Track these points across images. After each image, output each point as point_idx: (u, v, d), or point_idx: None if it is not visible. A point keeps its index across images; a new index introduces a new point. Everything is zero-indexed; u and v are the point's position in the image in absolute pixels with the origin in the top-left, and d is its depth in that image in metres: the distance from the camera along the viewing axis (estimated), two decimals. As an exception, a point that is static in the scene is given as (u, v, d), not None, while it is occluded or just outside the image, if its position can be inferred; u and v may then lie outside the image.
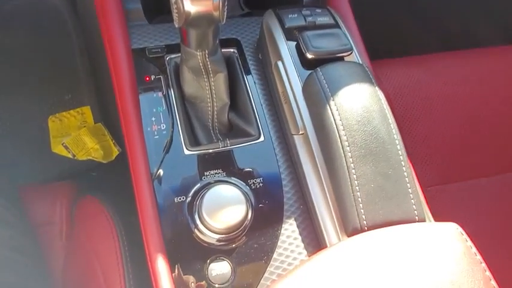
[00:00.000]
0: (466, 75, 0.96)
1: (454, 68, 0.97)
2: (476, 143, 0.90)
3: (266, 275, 0.53)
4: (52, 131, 1.19)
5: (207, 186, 0.56)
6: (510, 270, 0.68)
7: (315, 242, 0.56)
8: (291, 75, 0.61)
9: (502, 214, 0.87)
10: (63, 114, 1.22)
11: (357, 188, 0.51)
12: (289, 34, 0.65)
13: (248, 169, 0.59)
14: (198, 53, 0.57)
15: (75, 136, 1.18)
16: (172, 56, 0.66)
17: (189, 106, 0.65)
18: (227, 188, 0.55)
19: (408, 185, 0.53)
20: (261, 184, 0.58)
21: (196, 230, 0.54)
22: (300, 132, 0.59)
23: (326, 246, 0.54)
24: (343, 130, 0.53)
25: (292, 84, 0.61)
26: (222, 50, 0.63)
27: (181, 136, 0.60)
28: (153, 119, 0.61)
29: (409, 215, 0.52)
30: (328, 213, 0.55)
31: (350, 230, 0.51)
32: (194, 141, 0.62)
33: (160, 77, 0.64)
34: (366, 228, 0.50)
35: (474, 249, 0.49)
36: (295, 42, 0.64)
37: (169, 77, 0.64)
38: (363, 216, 0.51)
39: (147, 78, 0.64)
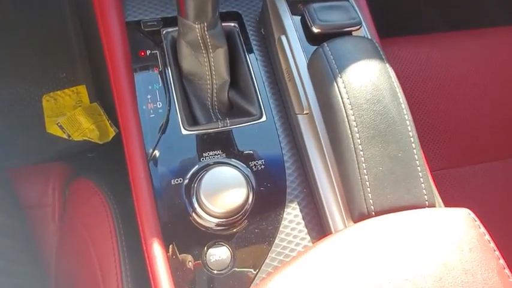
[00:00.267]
0: (476, 55, 0.92)
1: (464, 48, 0.93)
2: (485, 125, 0.87)
3: (267, 261, 0.51)
4: (46, 111, 1.16)
5: (206, 168, 0.54)
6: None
7: (318, 227, 0.54)
8: (295, 51, 0.58)
9: None
10: (58, 94, 1.19)
11: (365, 171, 0.49)
12: (294, 7, 0.61)
13: (249, 150, 0.56)
14: (196, 26, 0.54)
15: (70, 116, 1.14)
16: (169, 29, 0.62)
17: (187, 83, 0.62)
18: (227, 170, 0.52)
19: (419, 168, 0.50)
20: (262, 166, 0.55)
21: (194, 214, 0.52)
22: (305, 112, 0.56)
23: (331, 233, 0.52)
24: (351, 109, 0.50)
25: (296, 60, 0.58)
26: (222, 24, 0.60)
27: (179, 115, 0.57)
28: (149, 96, 0.58)
29: (419, 200, 0.50)
30: (333, 198, 0.52)
31: (356, 215, 0.49)
32: (192, 121, 0.59)
33: (156, 52, 0.61)
34: (373, 213, 0.48)
35: (487, 236, 0.46)
36: (300, 16, 0.60)
37: (165, 52, 0.61)
38: (371, 201, 0.48)
39: (142, 53, 0.60)
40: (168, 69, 0.60)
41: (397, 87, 0.53)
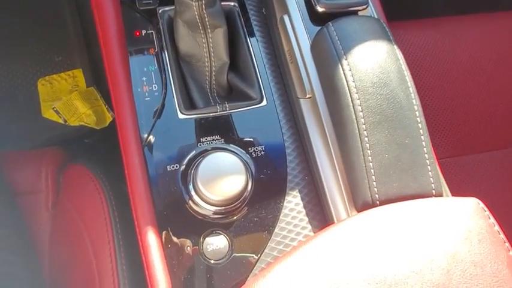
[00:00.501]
0: (485, 40, 0.89)
1: (472, 32, 0.90)
2: (492, 112, 0.84)
3: (267, 250, 0.50)
4: (42, 95, 1.13)
5: (203, 153, 0.52)
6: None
7: (320, 216, 0.52)
8: (298, 31, 0.56)
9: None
10: (54, 77, 1.16)
11: (370, 158, 0.47)
12: (298, -15, 0.58)
13: (249, 136, 0.54)
14: (193, 4, 0.51)
15: (66, 100, 1.12)
16: (166, 8, 0.60)
17: (184, 65, 0.59)
18: (225, 155, 0.50)
19: (426, 155, 0.49)
20: (262, 152, 0.53)
21: (190, 202, 0.50)
22: (307, 96, 0.54)
23: (333, 222, 0.50)
24: (356, 93, 0.48)
25: (299, 41, 0.55)
26: (222, 3, 0.57)
27: (175, 98, 0.54)
28: (144, 79, 0.55)
29: (425, 188, 0.48)
30: (336, 186, 0.51)
31: (360, 204, 0.47)
32: (189, 105, 0.57)
33: (152, 32, 0.58)
34: (378, 202, 0.46)
35: (497, 227, 0.45)
36: (303, -5, 0.57)
37: (162, 32, 0.58)
38: (375, 190, 0.46)
39: (137, 33, 0.58)
40: (164, 51, 0.57)
41: (405, 70, 0.50)
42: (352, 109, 0.48)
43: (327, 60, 0.51)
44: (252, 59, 0.58)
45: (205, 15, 0.53)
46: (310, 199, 0.53)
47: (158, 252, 0.47)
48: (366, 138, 0.47)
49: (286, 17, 0.57)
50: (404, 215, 0.44)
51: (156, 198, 0.50)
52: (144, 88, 0.55)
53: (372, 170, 0.46)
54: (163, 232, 0.48)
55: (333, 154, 0.51)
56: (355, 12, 0.57)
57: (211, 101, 0.58)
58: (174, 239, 0.48)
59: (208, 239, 0.49)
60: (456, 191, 0.55)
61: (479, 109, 0.85)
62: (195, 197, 0.49)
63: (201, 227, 0.49)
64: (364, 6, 0.57)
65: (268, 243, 0.50)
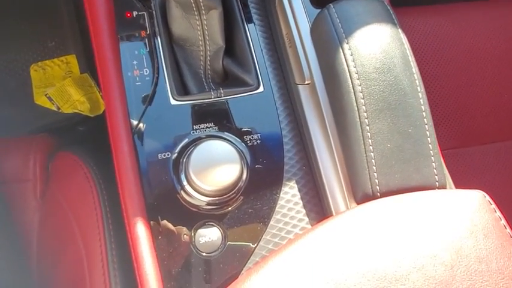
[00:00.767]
0: (492, 27, 0.86)
1: (479, 20, 0.87)
2: (498, 103, 0.82)
3: (261, 243, 0.48)
4: (34, 81, 1.10)
5: (196, 141, 0.49)
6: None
7: (318, 208, 0.50)
8: (297, 14, 0.53)
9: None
10: (47, 63, 1.13)
11: (371, 147, 0.45)
12: (297, -35, 0.55)
13: (244, 123, 0.52)
14: (186, -18, 0.48)
15: (60, 87, 1.09)
16: (159, -12, 0.56)
17: (177, 49, 0.57)
18: (219, 144, 0.48)
19: (430, 146, 0.46)
20: (258, 141, 0.51)
21: (182, 192, 0.48)
22: (306, 82, 0.52)
23: (331, 215, 0.48)
24: (358, 79, 0.46)
25: (298, 24, 0.53)
26: (217, -17, 0.54)
27: (168, 83, 0.52)
28: (135, 62, 0.53)
29: (429, 180, 0.46)
30: (335, 177, 0.49)
31: (360, 196, 0.45)
32: (182, 90, 0.54)
33: (143, 14, 0.55)
34: (378, 194, 0.44)
35: (503, 221, 0.43)
36: (303, -25, 0.54)
37: (154, 13, 0.55)
38: (376, 181, 0.44)
39: (128, 15, 0.55)
40: (156, 33, 0.54)
41: (410, 55, 0.48)
42: (353, 96, 0.45)
43: (327, 44, 0.49)
44: (248, 43, 0.56)
45: (200, -4, 0.50)
46: (308, 190, 0.51)
47: (148, 245, 0.45)
48: (367, 127, 0.45)
49: (285, -1, 0.54)
50: (406, 207, 0.42)
51: (146, 188, 0.47)
52: (135, 72, 0.52)
53: (373, 161, 0.45)
54: (154, 223, 0.46)
55: (332, 143, 0.49)
56: (357, -6, 0.54)
57: (206, 87, 0.56)
58: (165, 230, 0.46)
59: (201, 231, 0.47)
60: (459, 183, 0.54)
61: (483, 99, 0.83)
62: (187, 187, 0.47)
63: (193, 218, 0.47)
64: (368, -12, 0.54)
65: (263, 236, 0.48)
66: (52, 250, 0.61)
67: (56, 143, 0.72)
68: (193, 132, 0.50)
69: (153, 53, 0.53)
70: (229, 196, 0.47)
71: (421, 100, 0.47)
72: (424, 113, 0.47)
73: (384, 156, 0.45)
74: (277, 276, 0.36)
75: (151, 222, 0.46)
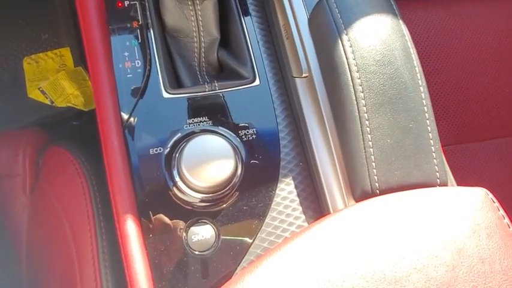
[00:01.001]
0: (495, 22, 0.84)
1: (481, 14, 0.85)
2: (500, 98, 0.80)
3: (256, 242, 0.46)
4: (27, 74, 1.08)
5: (190, 136, 0.48)
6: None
7: (315, 205, 0.49)
8: (295, 4, 0.52)
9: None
10: (40, 56, 1.11)
11: (370, 143, 0.44)
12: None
13: (239, 118, 0.50)
14: (179, -30, 0.46)
15: (53, 80, 1.07)
16: (151, -24, 0.54)
17: (171, 41, 0.55)
18: (213, 139, 0.46)
19: (431, 141, 0.45)
20: (254, 136, 0.50)
21: (174, 188, 0.46)
22: (304, 75, 0.51)
23: (329, 212, 0.46)
24: (357, 72, 0.44)
25: (296, 15, 0.52)
26: (212, -28, 0.52)
27: (160, 76, 0.50)
28: (126, 54, 0.51)
29: (430, 177, 0.44)
30: (333, 173, 0.48)
31: (359, 193, 0.43)
32: (176, 83, 0.53)
33: (135, 3, 0.53)
34: (377, 191, 0.43)
35: (507, 220, 0.41)
36: (301, -36, 0.53)
37: (146, 3, 0.54)
38: (375, 178, 0.43)
39: (120, 4, 0.53)
40: (149, 24, 0.52)
41: (411, 47, 0.46)
42: (352, 89, 0.44)
43: (325, 36, 0.47)
44: (244, 34, 0.54)
45: (193, -16, 0.48)
46: (305, 187, 0.49)
47: (138, 243, 0.43)
48: (367, 122, 0.44)
49: (282, -12, 0.53)
50: (406, 205, 0.40)
51: (137, 184, 0.46)
52: (126, 64, 0.50)
53: (372, 157, 0.43)
54: (144, 221, 0.45)
55: (330, 139, 0.48)
56: (357, -16, 0.52)
57: (200, 79, 0.55)
58: (156, 228, 0.45)
59: (194, 229, 0.45)
60: (458, 180, 0.52)
61: (484, 94, 0.81)
62: (180, 183, 0.46)
63: (186, 215, 0.46)
64: (368, -22, 0.52)
65: (258, 234, 0.46)
66: (42, 248, 0.59)
67: (48, 138, 0.71)
68: (186, 127, 0.49)
69: (145, 44, 0.52)
70: (223, 193, 0.46)
71: (422, 94, 0.45)
72: (425, 108, 0.45)
73: (383, 152, 0.43)
74: (272, 277, 0.34)
75: (142, 219, 0.45)
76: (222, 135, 0.48)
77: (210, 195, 0.45)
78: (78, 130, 1.02)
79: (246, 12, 0.55)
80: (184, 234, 0.45)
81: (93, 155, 0.64)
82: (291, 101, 0.52)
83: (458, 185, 0.51)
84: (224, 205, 0.47)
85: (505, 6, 0.88)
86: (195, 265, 0.44)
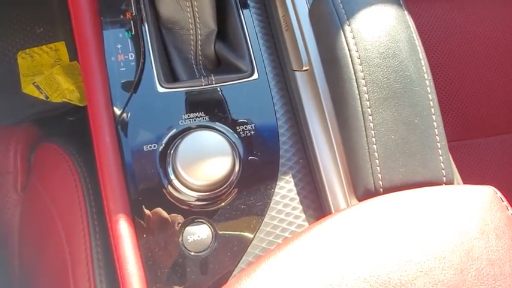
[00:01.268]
0: (500, 16, 0.82)
1: (486, 7, 0.83)
2: (504, 93, 0.78)
3: (255, 242, 0.45)
4: (22, 69, 1.06)
5: (185, 132, 0.46)
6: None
7: (315, 204, 0.47)
8: None
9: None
10: (35, 50, 1.08)
11: (374, 139, 0.42)
12: None
13: (237, 113, 0.49)
14: (174, -42, 0.44)
15: (48, 75, 1.05)
16: (145, -34, 0.52)
17: (166, 33, 0.53)
18: (209, 135, 0.45)
19: (437, 137, 0.43)
20: (252, 132, 0.48)
21: (169, 186, 0.44)
22: (304, 68, 0.49)
23: (330, 212, 0.45)
24: (360, 65, 0.42)
25: (296, 6, 0.50)
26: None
27: (154, 69, 0.49)
28: (119, 46, 0.49)
29: (435, 175, 0.43)
30: (334, 171, 0.46)
31: (361, 192, 0.42)
32: (171, 77, 0.51)
33: (129, -7, 0.51)
34: (381, 190, 0.41)
35: (516, 220, 0.39)
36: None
37: (140, -8, 0.51)
38: (379, 176, 0.41)
39: (113, -6, 0.51)
40: (143, 15, 0.51)
41: (417, 39, 0.44)
42: (354, 83, 0.42)
43: (327, 27, 0.45)
44: (242, 26, 0.52)
45: (189, -27, 0.47)
46: (305, 185, 0.48)
47: (131, 243, 0.41)
48: (370, 117, 0.42)
49: (281, -22, 0.51)
50: (411, 205, 0.39)
51: (130, 183, 0.44)
52: (119, 57, 0.48)
53: (376, 153, 0.42)
54: (138, 221, 0.43)
55: (332, 135, 0.47)
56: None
57: (196, 73, 0.53)
58: (150, 228, 0.43)
59: (189, 229, 0.44)
60: (462, 178, 0.51)
61: (489, 89, 0.79)
62: (175, 182, 0.44)
63: (181, 215, 0.44)
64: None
65: (257, 234, 0.45)
66: (34, 247, 0.58)
67: (41, 133, 0.69)
68: (181, 122, 0.47)
69: (138, 37, 0.50)
70: (220, 191, 0.44)
71: (428, 88, 0.43)
72: (431, 102, 0.43)
73: (387, 148, 0.42)
74: (270, 281, 0.33)
75: (136, 219, 0.43)
76: (219, 131, 0.47)
77: (207, 193, 0.44)
78: (73, 126, 1.00)
79: (244, 3, 0.53)
80: (179, 234, 0.43)
81: (88, 151, 0.62)
82: (291, 95, 0.51)
83: (463, 182, 0.49)
84: (221, 204, 0.45)
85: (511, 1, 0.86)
86: (190, 267, 0.43)
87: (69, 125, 1.03)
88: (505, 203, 0.40)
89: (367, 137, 0.42)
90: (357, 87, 0.42)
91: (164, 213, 0.44)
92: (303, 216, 0.46)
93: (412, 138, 0.42)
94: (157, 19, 0.52)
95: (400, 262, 0.34)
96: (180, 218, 0.44)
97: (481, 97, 0.77)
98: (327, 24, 0.45)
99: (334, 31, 0.44)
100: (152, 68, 0.48)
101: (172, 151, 0.45)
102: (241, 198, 0.46)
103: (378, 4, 0.44)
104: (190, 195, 0.44)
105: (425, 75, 0.44)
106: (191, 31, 0.52)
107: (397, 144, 0.42)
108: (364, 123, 0.42)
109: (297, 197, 0.47)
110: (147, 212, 0.44)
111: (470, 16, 0.80)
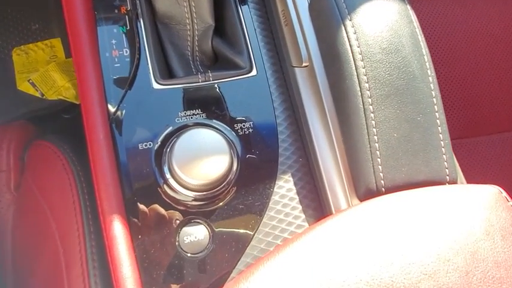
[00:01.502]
0: (502, 12, 0.81)
1: (488, 2, 0.82)
2: (507, 91, 0.77)
3: (253, 243, 0.43)
4: (17, 66, 1.05)
5: (181, 130, 0.45)
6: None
7: (315, 204, 0.46)
8: None
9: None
10: (30, 47, 1.07)
11: (375, 137, 0.41)
12: None
13: (235, 110, 0.47)
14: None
15: (43, 72, 1.03)
16: (140, -41, 0.51)
17: (162, 28, 0.52)
18: (206, 133, 0.43)
19: (440, 136, 0.43)
20: (250, 130, 0.47)
21: (165, 186, 0.43)
22: (304, 64, 0.48)
23: (331, 213, 0.44)
24: (362, 60, 0.41)
25: (295, 0, 0.48)
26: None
27: (150, 65, 0.47)
28: (114, 42, 0.48)
29: (439, 174, 0.42)
30: (335, 170, 0.45)
31: (363, 191, 0.41)
32: (167, 73, 0.50)
33: (124, -13, 0.50)
34: (383, 190, 0.40)
35: (522, 220, 0.38)
36: None
37: (135, -13, 0.50)
38: (381, 175, 0.40)
39: (107, -12, 0.49)
40: (138, 9, 0.49)
41: (420, 34, 0.43)
42: (356, 79, 0.41)
43: (327, 22, 0.44)
44: (240, 21, 0.51)
45: (185, -33, 0.45)
46: (305, 184, 0.46)
47: (125, 245, 0.40)
48: (372, 114, 0.41)
49: (280, -29, 0.49)
50: (414, 205, 0.38)
51: (125, 182, 0.43)
52: (114, 53, 0.47)
53: (378, 152, 0.40)
54: (133, 221, 0.42)
55: (332, 133, 0.45)
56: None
57: (193, 70, 0.52)
58: (145, 229, 0.42)
59: (186, 229, 0.43)
60: (464, 176, 0.50)
61: (490, 86, 0.78)
62: (171, 181, 0.43)
63: (178, 215, 0.43)
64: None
65: (255, 235, 0.44)
66: (28, 247, 0.57)
67: (35, 131, 0.67)
68: (178, 120, 0.46)
69: (134, 32, 0.48)
70: (217, 191, 0.43)
71: (432, 85, 0.42)
72: (434, 99, 0.42)
73: (389, 147, 0.41)
74: (270, 285, 0.31)
75: (130, 219, 0.42)
76: (217, 129, 0.45)
77: (204, 193, 0.43)
78: (69, 124, 0.99)
79: None
80: (175, 235, 0.42)
81: (83, 150, 0.61)
82: (290, 92, 0.50)
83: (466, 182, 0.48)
84: (219, 204, 0.44)
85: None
86: (187, 268, 0.42)
87: (64, 123, 1.02)
88: (511, 202, 0.39)
89: (368, 135, 0.41)
90: (359, 83, 0.41)
91: (160, 214, 0.43)
92: (303, 216, 0.45)
93: (414, 136, 0.41)
94: (153, 14, 0.51)
95: (403, 265, 0.32)
96: (176, 218, 0.43)
97: (482, 95, 0.76)
98: (328, 19, 0.44)
99: (334, 26, 0.43)
100: (148, 64, 0.47)
101: (168, 149, 0.43)
102: (239, 197, 0.45)
103: (380, -2, 0.43)
104: (186, 195, 0.43)
105: (429, 71, 0.43)
106: (188, 26, 0.51)
107: (399, 143, 0.41)
108: (365, 120, 0.41)
109: (297, 197, 0.46)
110: (142, 212, 0.42)
111: (472, 12, 0.78)
